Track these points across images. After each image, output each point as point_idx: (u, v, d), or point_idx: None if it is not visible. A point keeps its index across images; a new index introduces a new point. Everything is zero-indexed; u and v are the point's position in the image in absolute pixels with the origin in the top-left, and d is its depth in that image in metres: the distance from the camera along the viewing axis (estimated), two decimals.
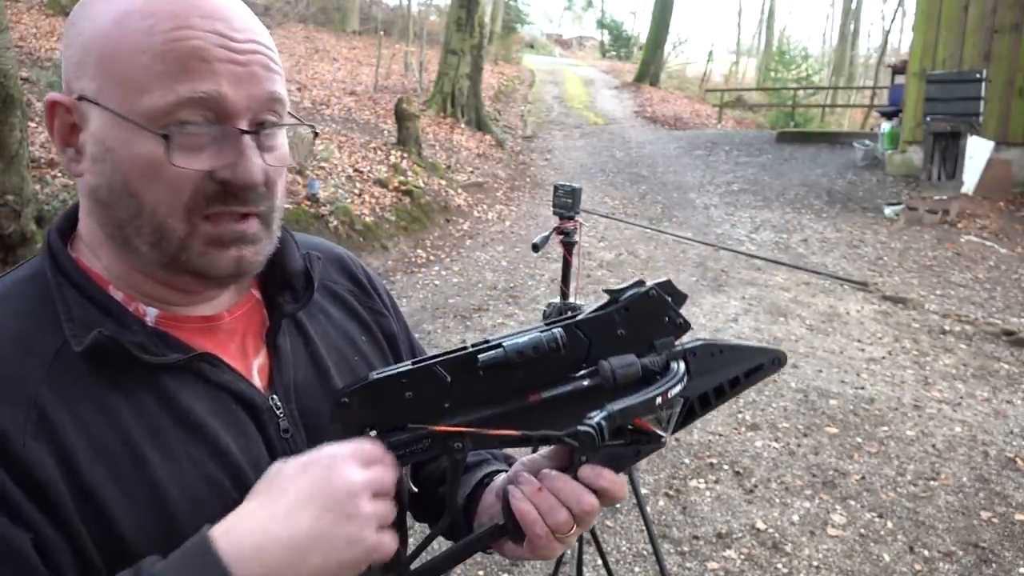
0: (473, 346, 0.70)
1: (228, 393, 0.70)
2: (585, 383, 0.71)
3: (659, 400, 0.69)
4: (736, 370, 0.75)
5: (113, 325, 0.65)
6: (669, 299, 0.72)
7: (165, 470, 0.63)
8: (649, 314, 0.72)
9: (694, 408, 0.75)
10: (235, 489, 0.65)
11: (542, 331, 0.70)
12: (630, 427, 0.70)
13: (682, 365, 0.72)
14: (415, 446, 0.67)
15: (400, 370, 0.68)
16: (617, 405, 0.67)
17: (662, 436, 0.71)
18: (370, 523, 0.59)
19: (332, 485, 0.59)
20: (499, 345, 0.69)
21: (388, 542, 0.61)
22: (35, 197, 4.64)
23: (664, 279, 0.74)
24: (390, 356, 0.89)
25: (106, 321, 0.66)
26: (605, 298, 0.74)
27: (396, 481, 0.64)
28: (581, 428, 0.66)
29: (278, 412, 0.73)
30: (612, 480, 0.69)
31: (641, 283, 0.73)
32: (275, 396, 0.73)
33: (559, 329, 0.70)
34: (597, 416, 0.67)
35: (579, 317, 0.72)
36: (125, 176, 0.63)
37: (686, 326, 0.73)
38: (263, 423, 0.71)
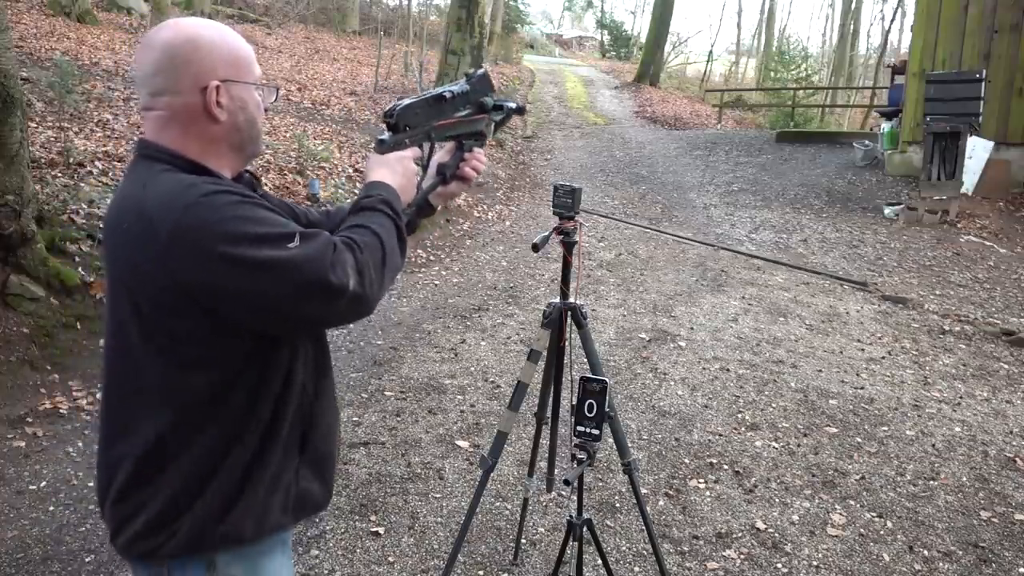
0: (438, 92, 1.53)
1: None
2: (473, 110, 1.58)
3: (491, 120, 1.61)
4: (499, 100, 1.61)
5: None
6: (490, 76, 1.62)
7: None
8: (487, 81, 1.60)
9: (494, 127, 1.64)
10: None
11: (460, 87, 1.54)
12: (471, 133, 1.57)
13: (509, 104, 1.62)
14: (422, 135, 1.48)
15: (416, 99, 1.46)
16: (495, 117, 1.60)
17: (488, 135, 1.60)
18: (415, 178, 1.50)
19: (407, 166, 1.47)
20: (443, 93, 1.51)
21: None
22: (35, 197, 4.63)
23: (484, 70, 1.62)
24: None
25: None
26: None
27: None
28: (484, 128, 1.59)
29: None
30: (483, 155, 1.61)
31: (477, 70, 1.61)
32: None
33: (466, 84, 1.56)
34: (485, 121, 1.59)
35: (465, 84, 1.56)
36: (254, 112, 1.33)
37: (492, 88, 1.61)
38: None
